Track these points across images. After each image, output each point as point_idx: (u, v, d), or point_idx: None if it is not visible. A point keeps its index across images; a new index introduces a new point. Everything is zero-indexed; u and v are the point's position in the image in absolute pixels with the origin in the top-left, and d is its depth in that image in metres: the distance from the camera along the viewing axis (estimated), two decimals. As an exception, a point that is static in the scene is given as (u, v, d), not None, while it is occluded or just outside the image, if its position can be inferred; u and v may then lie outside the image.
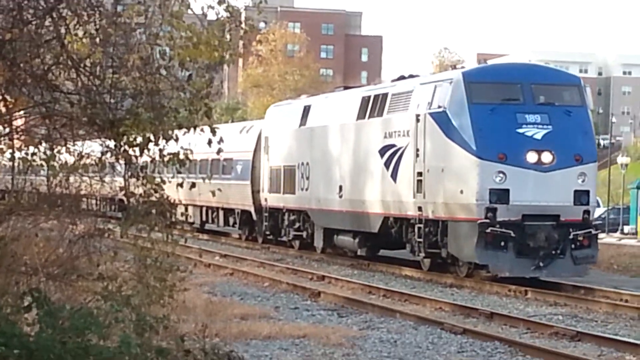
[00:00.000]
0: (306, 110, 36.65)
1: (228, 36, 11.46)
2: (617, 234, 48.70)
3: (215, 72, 11.90)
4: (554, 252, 25.28)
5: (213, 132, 10.87)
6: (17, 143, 12.32)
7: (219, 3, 10.63)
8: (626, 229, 51.72)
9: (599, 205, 34.28)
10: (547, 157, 25.63)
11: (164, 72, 10.95)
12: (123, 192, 11.36)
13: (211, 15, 11.13)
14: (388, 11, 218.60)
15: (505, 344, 16.51)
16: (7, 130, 12.01)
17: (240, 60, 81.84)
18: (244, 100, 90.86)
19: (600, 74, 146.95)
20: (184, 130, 11.23)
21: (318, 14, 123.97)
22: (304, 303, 22.79)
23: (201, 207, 45.32)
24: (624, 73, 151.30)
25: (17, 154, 12.16)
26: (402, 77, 32.27)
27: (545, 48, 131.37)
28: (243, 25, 11.56)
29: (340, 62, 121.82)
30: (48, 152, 11.67)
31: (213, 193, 14.94)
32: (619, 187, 65.09)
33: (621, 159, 66.47)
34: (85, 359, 9.87)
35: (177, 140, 11.04)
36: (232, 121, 47.98)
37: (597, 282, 26.23)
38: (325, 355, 14.60)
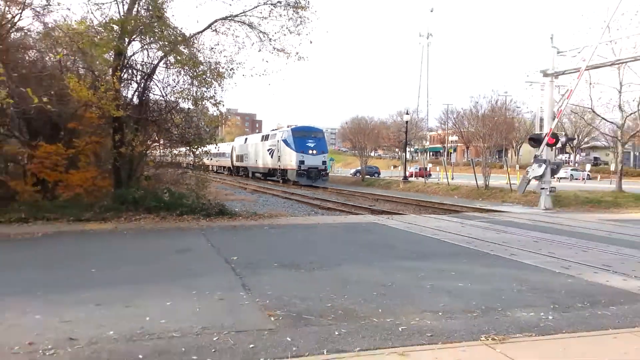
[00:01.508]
0: (247, 138, 54.74)
1: (220, 118, 20.46)
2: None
3: (216, 128, 20.89)
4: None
5: (216, 144, 19.72)
6: (160, 148, 20.23)
7: (218, 110, 19.49)
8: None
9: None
10: (314, 152, 41.41)
11: (203, 128, 19.39)
12: (192, 160, 19.34)
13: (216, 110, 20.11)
14: (261, 110, 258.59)
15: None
16: (156, 145, 20.06)
17: (223, 127, 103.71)
18: (224, 137, 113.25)
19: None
20: (208, 144, 19.06)
21: (245, 114, 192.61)
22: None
23: (218, 167, 63.70)
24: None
25: (160, 152, 20.35)
26: (274, 129, 49.88)
27: (299, 121, 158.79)
28: (224, 116, 20.55)
29: (250, 127, 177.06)
30: (170, 151, 20.66)
31: (212, 161, 23.59)
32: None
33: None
34: (182, 207, 16.87)
35: (205, 146, 19.02)
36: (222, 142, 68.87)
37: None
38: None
